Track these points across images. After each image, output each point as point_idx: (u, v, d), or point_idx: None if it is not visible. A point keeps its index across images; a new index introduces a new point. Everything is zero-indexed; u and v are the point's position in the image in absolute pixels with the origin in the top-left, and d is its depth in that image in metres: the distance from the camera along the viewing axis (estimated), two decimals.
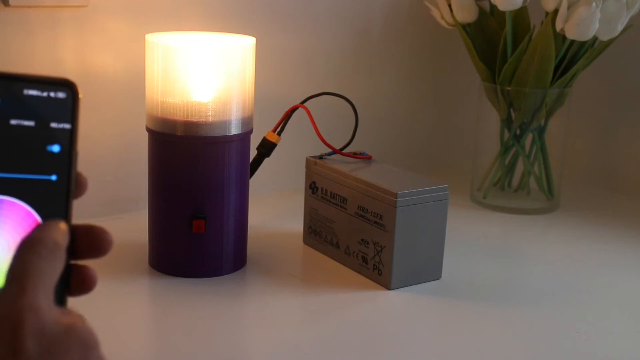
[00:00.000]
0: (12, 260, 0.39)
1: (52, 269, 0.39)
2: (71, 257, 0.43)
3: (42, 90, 0.41)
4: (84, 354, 0.38)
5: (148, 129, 0.79)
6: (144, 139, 0.81)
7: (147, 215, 0.82)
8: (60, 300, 0.41)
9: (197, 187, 0.77)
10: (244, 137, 0.80)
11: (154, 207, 0.80)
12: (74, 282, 0.42)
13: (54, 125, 0.41)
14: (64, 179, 0.42)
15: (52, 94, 0.41)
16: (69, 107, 0.42)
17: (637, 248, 0.95)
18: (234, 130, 0.78)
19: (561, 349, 0.70)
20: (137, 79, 0.90)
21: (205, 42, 0.77)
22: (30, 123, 0.41)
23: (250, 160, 0.84)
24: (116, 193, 0.94)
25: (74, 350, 0.38)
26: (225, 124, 0.77)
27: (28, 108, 0.41)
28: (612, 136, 1.19)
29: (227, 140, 0.78)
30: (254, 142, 0.85)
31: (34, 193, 0.41)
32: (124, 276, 0.79)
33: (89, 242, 0.43)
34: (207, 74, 0.76)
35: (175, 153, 0.77)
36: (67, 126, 0.42)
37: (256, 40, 0.80)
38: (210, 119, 0.76)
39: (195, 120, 0.76)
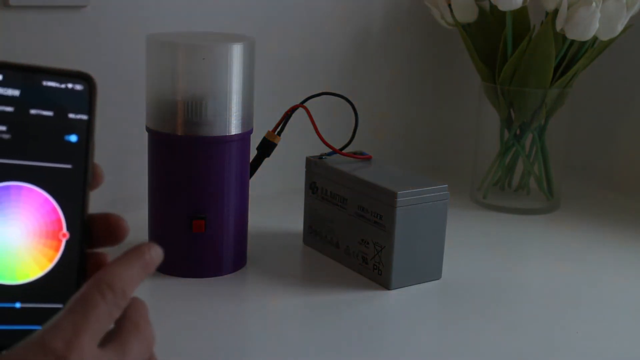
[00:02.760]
0: (78, 293, 0.40)
1: (109, 317, 0.40)
2: (88, 245, 0.44)
3: (61, 82, 0.42)
4: None
5: (148, 129, 0.79)
6: (144, 139, 0.81)
7: (147, 215, 0.82)
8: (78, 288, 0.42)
9: (197, 187, 0.77)
10: (244, 137, 0.80)
11: (153, 207, 0.80)
12: (91, 270, 0.44)
13: (71, 116, 0.43)
14: (80, 168, 0.43)
15: (70, 86, 0.43)
16: (86, 98, 0.43)
17: (637, 248, 0.95)
18: (234, 130, 0.78)
19: (561, 349, 0.70)
20: (137, 79, 0.90)
21: (205, 42, 0.77)
22: (49, 113, 0.42)
23: (250, 160, 0.84)
24: (116, 193, 0.94)
25: None
26: (225, 124, 0.77)
27: (47, 99, 0.42)
28: (612, 136, 1.19)
29: (227, 140, 0.78)
30: (254, 142, 0.85)
31: (52, 181, 0.43)
32: None
33: (105, 230, 0.44)
34: (207, 73, 0.76)
35: (175, 153, 0.77)
36: (85, 117, 0.43)
37: (256, 40, 0.80)
38: (210, 119, 0.76)
39: (195, 120, 0.76)
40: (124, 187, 0.95)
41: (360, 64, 1.13)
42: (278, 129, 0.87)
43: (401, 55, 1.18)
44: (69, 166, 0.43)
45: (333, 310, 0.75)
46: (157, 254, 0.44)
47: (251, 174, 0.85)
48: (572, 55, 1.01)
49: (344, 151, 0.87)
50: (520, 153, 1.06)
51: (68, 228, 0.43)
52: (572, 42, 0.99)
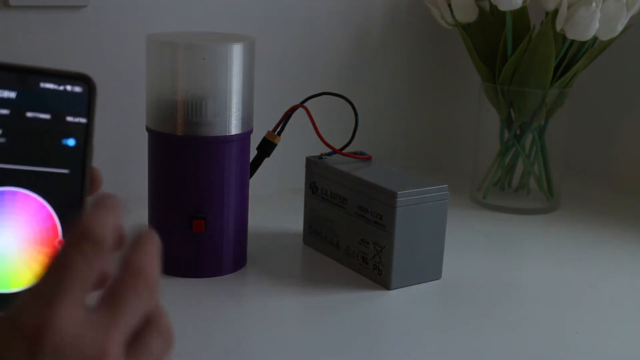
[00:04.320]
0: (53, 256, 0.35)
1: (90, 271, 0.34)
2: None
3: (59, 84, 0.41)
4: None
5: (148, 129, 0.79)
6: (144, 139, 0.81)
7: (147, 215, 0.82)
8: None
9: (197, 187, 0.77)
10: (244, 137, 0.80)
11: (153, 207, 0.80)
12: None
13: (69, 119, 0.41)
14: (78, 174, 0.42)
15: (68, 88, 0.41)
16: (85, 101, 0.42)
17: (637, 248, 0.95)
18: (234, 130, 0.78)
19: (561, 349, 0.70)
20: (137, 79, 0.90)
21: (205, 42, 0.77)
22: (46, 116, 0.41)
23: (250, 160, 0.84)
24: (116, 193, 0.94)
25: None
26: (225, 124, 0.77)
27: (44, 101, 0.41)
28: (612, 136, 1.19)
29: (227, 140, 0.78)
30: (254, 142, 0.85)
31: (48, 186, 0.41)
32: None
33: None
34: (207, 73, 0.76)
35: (175, 153, 0.77)
36: (83, 120, 0.42)
37: (256, 40, 0.80)
38: (210, 119, 0.76)
39: (195, 120, 0.76)
40: (124, 187, 0.95)
41: (360, 64, 1.13)
42: (278, 129, 0.87)
43: (401, 55, 1.18)
44: (66, 171, 0.42)
45: (333, 310, 0.75)
46: (116, 197, 0.38)
47: (251, 174, 0.85)
48: (572, 55, 1.01)
49: (344, 151, 0.87)
50: (520, 153, 1.06)
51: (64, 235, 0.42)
52: (572, 42, 0.99)
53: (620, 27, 0.96)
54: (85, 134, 0.42)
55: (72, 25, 0.89)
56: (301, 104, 0.86)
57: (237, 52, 0.77)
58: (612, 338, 0.72)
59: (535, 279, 0.86)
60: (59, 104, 0.41)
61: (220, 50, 0.76)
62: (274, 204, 1.03)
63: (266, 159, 0.88)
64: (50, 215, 0.42)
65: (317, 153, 0.88)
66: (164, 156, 0.78)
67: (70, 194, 0.42)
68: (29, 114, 0.41)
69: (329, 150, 0.86)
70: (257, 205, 0.90)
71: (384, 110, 1.18)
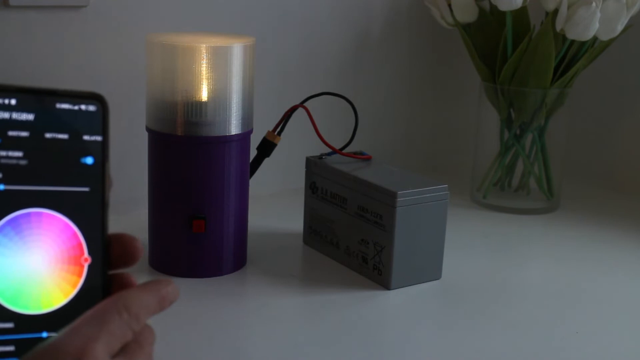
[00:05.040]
0: (97, 306, 0.41)
1: (122, 335, 0.41)
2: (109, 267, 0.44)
3: (74, 104, 0.42)
4: None
5: (148, 129, 0.79)
6: (144, 139, 0.81)
7: (147, 215, 0.82)
8: None
9: (197, 187, 0.77)
10: (244, 137, 0.80)
11: (154, 207, 0.80)
12: (115, 292, 0.44)
13: (86, 137, 0.43)
14: (98, 190, 0.43)
15: (83, 107, 0.42)
16: (100, 119, 0.43)
17: (637, 248, 0.95)
18: (234, 130, 0.78)
19: (561, 349, 0.70)
20: (137, 79, 0.90)
21: (205, 42, 0.77)
22: (64, 136, 0.42)
23: (250, 160, 0.84)
24: (116, 193, 0.94)
25: None
26: (225, 124, 0.77)
27: (61, 122, 0.42)
28: (612, 136, 1.19)
29: (227, 140, 0.78)
30: (254, 142, 0.85)
31: (70, 205, 0.42)
32: None
33: (120, 250, 0.45)
34: (207, 74, 0.76)
35: (175, 153, 0.77)
36: (99, 138, 0.43)
37: (256, 40, 0.80)
38: (210, 119, 0.76)
39: (195, 120, 0.76)
40: (124, 187, 0.95)
41: (360, 64, 1.13)
42: (278, 129, 0.87)
43: (401, 55, 1.18)
44: (86, 189, 0.43)
45: (333, 310, 0.75)
46: (174, 290, 0.45)
47: (251, 174, 0.85)
48: (572, 55, 1.01)
49: (344, 151, 0.87)
50: (520, 153, 1.06)
51: (89, 252, 0.43)
52: (572, 42, 0.99)
53: (620, 27, 0.96)
54: (102, 151, 0.43)
55: (72, 25, 0.89)
56: (301, 104, 0.86)
57: (237, 52, 0.77)
58: (612, 338, 0.72)
59: (535, 278, 0.86)
60: (76, 123, 0.42)
61: (220, 50, 0.76)
62: (274, 204, 1.03)
63: (266, 159, 0.88)
64: (75, 234, 0.43)
65: (317, 153, 0.88)
66: (164, 156, 0.78)
67: (92, 210, 0.43)
68: (48, 135, 0.41)
69: (329, 150, 0.86)
70: (257, 205, 0.90)
71: (384, 110, 1.18)
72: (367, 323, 0.73)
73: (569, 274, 0.87)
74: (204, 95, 0.76)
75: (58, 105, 0.41)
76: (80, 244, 0.43)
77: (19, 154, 0.41)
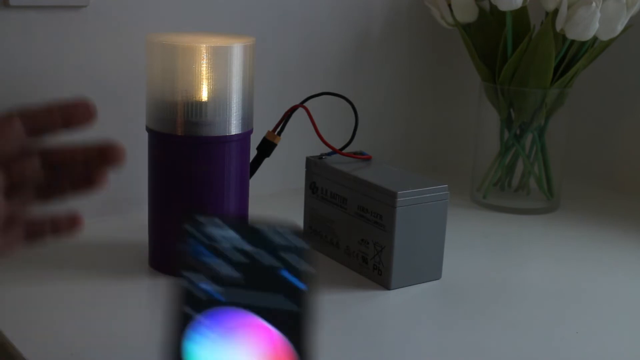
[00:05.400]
0: None
1: None
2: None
3: (289, 242, 0.49)
4: None
5: (148, 129, 0.79)
6: (144, 139, 0.81)
7: (147, 215, 0.82)
8: None
9: (197, 187, 0.77)
10: (244, 137, 0.80)
11: (154, 207, 0.80)
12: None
13: (300, 267, 0.49)
14: (307, 312, 0.49)
15: (298, 245, 0.49)
16: (312, 255, 0.49)
17: (637, 248, 0.95)
18: (234, 130, 0.78)
19: (561, 348, 0.70)
20: (137, 79, 0.90)
21: (205, 42, 0.77)
22: (279, 265, 0.50)
23: (250, 160, 0.84)
24: (116, 193, 0.94)
25: None
26: (225, 124, 0.77)
27: (279, 255, 0.50)
28: (612, 136, 1.19)
29: (227, 140, 0.78)
30: (254, 142, 0.85)
31: (284, 321, 0.49)
32: (123, 276, 0.79)
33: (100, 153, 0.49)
34: (207, 74, 0.76)
35: (175, 153, 0.77)
36: (311, 270, 0.49)
37: (256, 40, 0.80)
38: (210, 119, 0.76)
39: (195, 120, 0.76)
40: (124, 187, 0.95)
41: (360, 64, 1.13)
42: (278, 129, 0.87)
43: (401, 55, 1.18)
44: (298, 309, 0.49)
45: (333, 310, 0.75)
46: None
47: (251, 174, 0.85)
48: (572, 55, 1.01)
49: (344, 151, 0.87)
50: (520, 153, 1.06)
51: None
52: (572, 42, 0.99)
53: (620, 27, 0.96)
54: (312, 281, 0.49)
55: (72, 25, 0.89)
56: (301, 104, 0.86)
57: (237, 52, 0.77)
58: (612, 338, 0.72)
59: (535, 278, 0.86)
60: (291, 257, 0.49)
61: (220, 50, 0.76)
62: (274, 204, 1.03)
63: (266, 159, 0.88)
64: (283, 343, 0.49)
65: (317, 153, 0.88)
66: (164, 156, 0.78)
67: (299, 328, 0.49)
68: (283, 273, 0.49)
69: (329, 150, 0.86)
70: (257, 205, 0.90)
71: (384, 110, 1.18)
72: (367, 323, 0.73)
73: (569, 274, 0.87)
74: (204, 95, 0.76)
75: (277, 242, 0.49)
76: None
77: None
